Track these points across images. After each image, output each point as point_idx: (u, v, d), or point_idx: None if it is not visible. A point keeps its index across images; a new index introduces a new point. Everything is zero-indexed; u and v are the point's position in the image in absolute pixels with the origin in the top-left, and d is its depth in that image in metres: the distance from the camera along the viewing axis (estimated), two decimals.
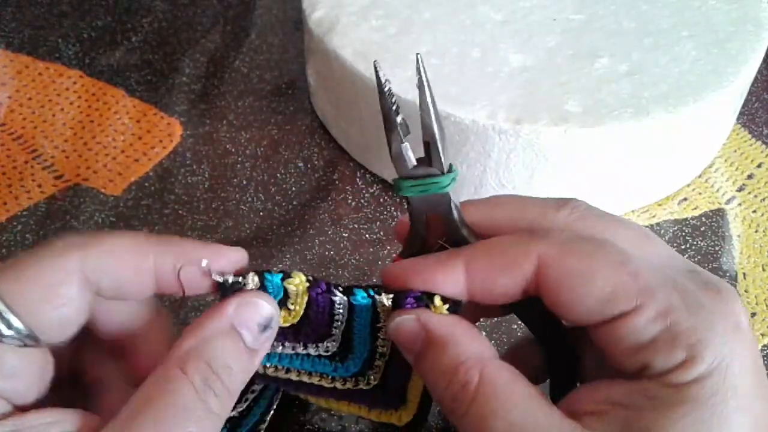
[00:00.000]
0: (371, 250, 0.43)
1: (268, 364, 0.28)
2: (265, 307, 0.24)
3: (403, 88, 0.41)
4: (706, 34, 0.46)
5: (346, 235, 0.44)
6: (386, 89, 0.24)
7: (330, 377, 0.29)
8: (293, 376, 0.29)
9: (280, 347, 0.28)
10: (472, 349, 0.23)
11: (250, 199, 0.46)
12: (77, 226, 0.44)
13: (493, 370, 0.22)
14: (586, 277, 0.22)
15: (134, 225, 0.45)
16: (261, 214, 0.45)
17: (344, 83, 0.45)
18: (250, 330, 0.23)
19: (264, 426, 0.30)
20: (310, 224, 0.45)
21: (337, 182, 0.48)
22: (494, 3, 0.48)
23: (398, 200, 0.46)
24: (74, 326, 0.22)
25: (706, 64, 0.43)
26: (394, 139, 0.24)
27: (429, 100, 0.24)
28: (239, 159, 0.49)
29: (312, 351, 0.28)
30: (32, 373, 0.21)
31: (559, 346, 0.26)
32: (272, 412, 0.31)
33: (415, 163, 0.25)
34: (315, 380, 0.29)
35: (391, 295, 0.25)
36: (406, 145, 0.24)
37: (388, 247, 0.43)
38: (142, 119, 0.52)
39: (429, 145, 0.24)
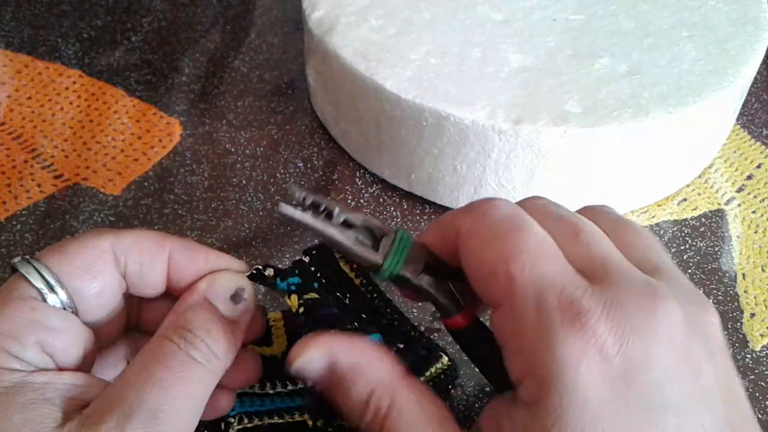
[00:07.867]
0: None
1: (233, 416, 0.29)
2: (232, 281, 0.26)
3: (403, 87, 0.41)
4: (706, 34, 0.46)
5: None
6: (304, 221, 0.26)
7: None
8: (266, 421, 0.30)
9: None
10: (380, 373, 0.24)
11: (249, 199, 0.46)
12: (77, 226, 0.44)
13: (402, 393, 0.23)
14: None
15: (134, 225, 0.45)
16: (261, 214, 0.45)
17: (344, 83, 0.45)
18: (222, 301, 0.26)
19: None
20: None
21: (336, 182, 0.47)
22: (494, 3, 0.48)
23: (398, 200, 0.46)
24: (108, 302, 0.26)
25: (706, 64, 0.43)
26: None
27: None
28: (239, 159, 0.49)
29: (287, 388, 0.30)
30: (72, 334, 0.23)
31: (500, 373, 0.25)
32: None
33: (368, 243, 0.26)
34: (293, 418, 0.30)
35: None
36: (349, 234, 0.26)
37: None
38: (141, 119, 0.52)
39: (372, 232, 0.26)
